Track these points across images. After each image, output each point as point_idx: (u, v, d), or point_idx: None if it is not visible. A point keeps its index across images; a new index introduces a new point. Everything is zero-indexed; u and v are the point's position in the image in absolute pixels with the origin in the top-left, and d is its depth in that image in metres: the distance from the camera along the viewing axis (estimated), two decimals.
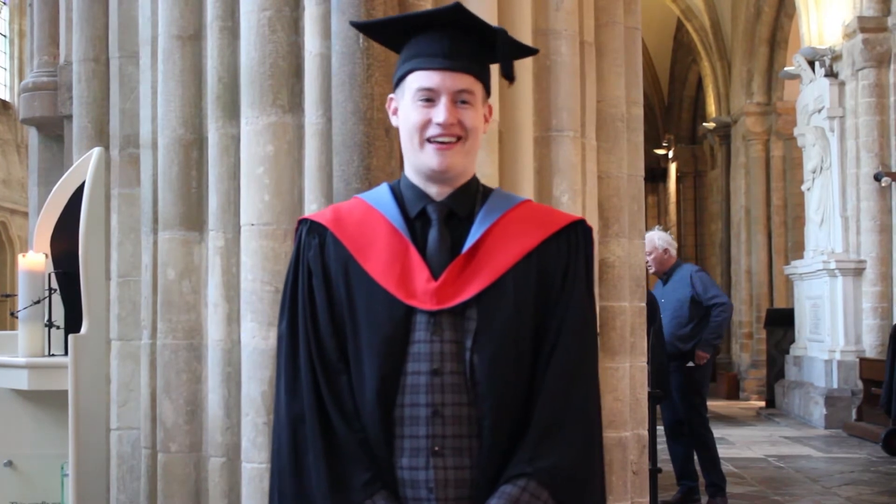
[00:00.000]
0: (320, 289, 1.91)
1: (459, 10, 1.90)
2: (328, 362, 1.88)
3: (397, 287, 1.88)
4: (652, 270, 7.11)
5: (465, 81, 1.89)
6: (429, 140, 1.88)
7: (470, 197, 1.95)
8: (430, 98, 1.88)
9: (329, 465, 1.83)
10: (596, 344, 1.97)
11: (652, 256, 6.96)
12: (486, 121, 1.98)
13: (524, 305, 1.88)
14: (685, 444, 6.84)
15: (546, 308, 1.90)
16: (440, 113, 1.86)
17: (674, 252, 7.07)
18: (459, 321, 1.87)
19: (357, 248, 1.92)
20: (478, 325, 1.86)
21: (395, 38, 1.99)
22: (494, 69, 2.02)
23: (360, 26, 2.23)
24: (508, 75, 1.97)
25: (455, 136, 1.88)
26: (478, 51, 1.92)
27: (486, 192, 1.99)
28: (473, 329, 1.86)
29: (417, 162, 1.91)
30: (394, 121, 1.97)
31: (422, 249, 1.91)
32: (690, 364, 6.69)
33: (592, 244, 2.01)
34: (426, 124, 1.88)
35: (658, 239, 6.99)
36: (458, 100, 1.88)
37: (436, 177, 1.91)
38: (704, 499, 6.79)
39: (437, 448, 1.83)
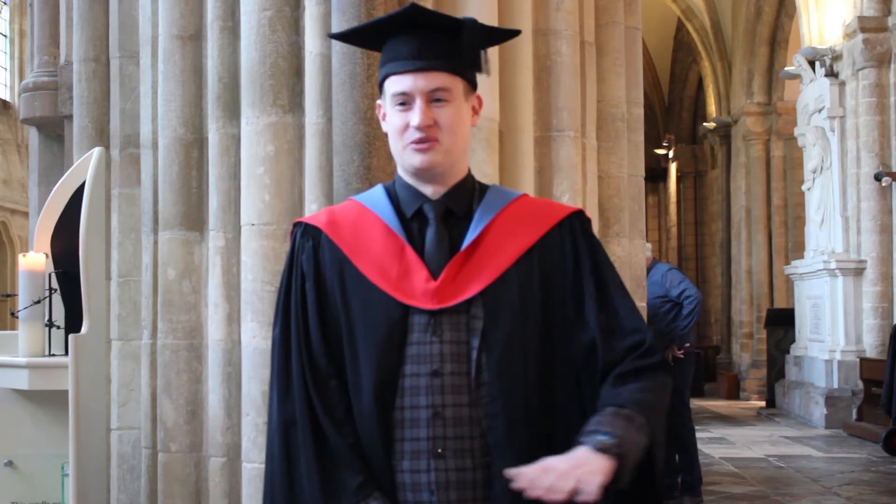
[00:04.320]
0: (312, 293, 1.90)
1: (415, 9, 1.88)
2: (317, 368, 1.87)
3: (395, 288, 1.86)
4: None
5: (439, 80, 1.85)
6: (409, 143, 1.87)
7: (466, 194, 1.94)
8: (405, 101, 1.86)
9: (320, 469, 1.82)
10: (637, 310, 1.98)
11: None
12: (476, 113, 1.95)
13: (530, 301, 1.87)
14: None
15: (557, 300, 1.88)
16: (415, 116, 1.84)
17: (649, 253, 7.12)
18: (463, 320, 1.85)
19: (352, 249, 1.91)
20: (485, 324, 1.84)
21: (372, 42, 1.98)
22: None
23: (338, 37, 2.22)
24: (478, 67, 1.93)
25: (433, 138, 1.85)
26: (449, 46, 1.88)
27: (483, 188, 1.97)
28: (480, 328, 1.84)
29: (404, 164, 1.91)
30: (384, 126, 1.96)
31: (420, 249, 1.89)
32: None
33: (592, 233, 1.99)
34: (405, 128, 1.86)
35: None
36: (433, 98, 1.85)
37: (423, 175, 1.90)
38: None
39: (438, 450, 1.82)
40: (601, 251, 1.96)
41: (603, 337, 1.87)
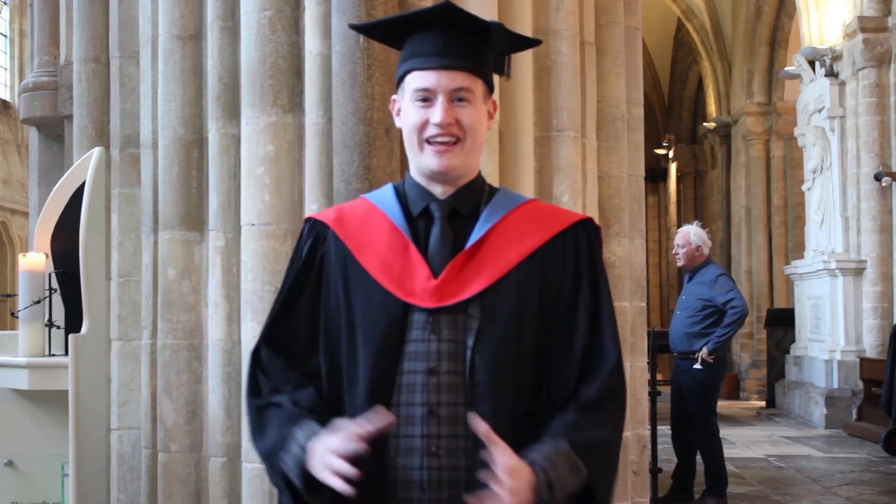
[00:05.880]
0: (313, 278, 1.95)
1: (449, 7, 1.88)
2: (291, 310, 1.95)
3: (396, 285, 1.86)
4: (680, 264, 7.10)
5: (462, 79, 1.86)
6: (428, 141, 1.87)
7: (475, 195, 1.94)
8: (427, 98, 1.86)
9: (267, 379, 1.93)
10: (616, 342, 1.94)
11: (683, 250, 6.94)
12: (491, 116, 1.96)
13: (528, 305, 1.86)
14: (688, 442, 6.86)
15: (552, 309, 1.88)
16: (437, 113, 1.85)
17: (706, 250, 7.00)
18: (461, 319, 1.85)
19: (357, 246, 1.92)
20: (480, 324, 1.84)
21: (393, 37, 1.98)
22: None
23: (360, 28, 2.23)
24: (500, 70, 1.94)
25: (454, 137, 1.86)
26: (474, 47, 1.89)
27: (492, 190, 1.97)
28: (476, 328, 1.84)
29: (419, 164, 1.90)
30: (397, 121, 1.95)
31: (424, 248, 1.89)
32: (698, 366, 6.67)
33: (601, 243, 1.99)
34: (424, 125, 1.86)
35: (693, 234, 6.96)
36: (455, 98, 1.86)
37: (437, 177, 1.90)
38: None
39: (432, 448, 1.81)
40: (601, 267, 1.95)
41: (581, 365, 1.88)
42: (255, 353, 1.98)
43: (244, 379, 3.20)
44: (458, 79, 1.86)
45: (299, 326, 1.95)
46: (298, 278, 1.96)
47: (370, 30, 2.19)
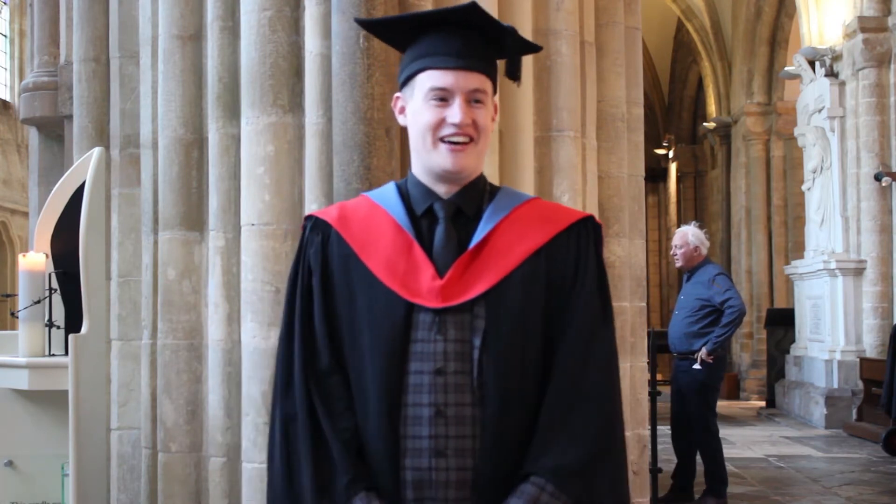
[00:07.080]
0: (318, 288, 1.91)
1: (475, 9, 1.88)
2: (318, 364, 1.89)
3: (401, 285, 1.86)
4: (678, 264, 7.12)
5: (478, 80, 1.87)
6: (442, 140, 1.86)
7: (477, 195, 1.93)
8: (443, 98, 1.86)
9: (315, 464, 1.84)
10: (611, 342, 1.93)
11: (681, 251, 6.95)
12: (493, 118, 1.96)
13: (533, 303, 1.86)
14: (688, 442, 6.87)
15: (556, 306, 1.88)
16: (455, 113, 1.85)
17: (704, 251, 7.01)
18: (467, 319, 1.85)
19: (360, 245, 1.91)
20: (487, 324, 1.84)
21: (401, 36, 1.97)
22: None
23: (366, 24, 2.21)
24: (515, 75, 1.95)
25: (468, 137, 1.86)
26: (487, 48, 1.91)
27: (494, 189, 1.98)
28: (482, 328, 1.84)
29: (430, 162, 1.89)
30: (400, 120, 1.94)
31: (428, 247, 1.89)
32: (697, 367, 6.67)
33: (602, 241, 1.99)
34: (440, 124, 1.86)
35: (691, 235, 6.97)
36: (472, 99, 1.87)
37: (448, 177, 1.89)
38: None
39: (439, 449, 1.81)
40: (601, 267, 1.95)
41: (563, 365, 1.86)
42: (306, 362, 1.90)
43: (244, 377, 3.22)
44: (474, 80, 1.87)
45: (327, 330, 1.92)
46: (308, 285, 1.94)
47: (379, 26, 2.16)
